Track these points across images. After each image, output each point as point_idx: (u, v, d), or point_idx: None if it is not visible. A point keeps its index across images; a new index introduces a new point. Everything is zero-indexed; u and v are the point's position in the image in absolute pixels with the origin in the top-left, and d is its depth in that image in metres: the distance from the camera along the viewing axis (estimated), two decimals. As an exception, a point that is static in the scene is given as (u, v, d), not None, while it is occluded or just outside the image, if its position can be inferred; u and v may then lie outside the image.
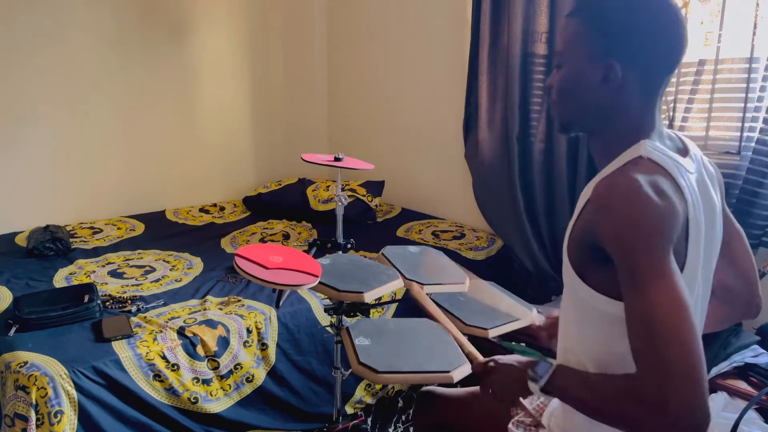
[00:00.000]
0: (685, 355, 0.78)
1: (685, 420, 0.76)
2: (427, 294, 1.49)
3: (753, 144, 1.95)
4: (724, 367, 1.79)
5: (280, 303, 2.05)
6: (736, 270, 1.11)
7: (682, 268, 0.90)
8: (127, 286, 2.18)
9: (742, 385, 1.75)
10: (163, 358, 1.77)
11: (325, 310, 1.61)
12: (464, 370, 1.24)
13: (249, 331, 1.94)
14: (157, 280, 2.25)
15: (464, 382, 1.32)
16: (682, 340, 0.78)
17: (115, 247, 2.63)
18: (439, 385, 1.46)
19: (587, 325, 0.99)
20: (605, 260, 0.89)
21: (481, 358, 1.21)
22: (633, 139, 0.96)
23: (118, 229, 2.90)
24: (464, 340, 1.32)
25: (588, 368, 1.00)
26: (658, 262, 0.83)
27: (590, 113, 1.01)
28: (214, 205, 3.39)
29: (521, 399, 1.22)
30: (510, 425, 1.22)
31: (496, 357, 1.11)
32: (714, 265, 1.04)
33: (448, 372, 1.23)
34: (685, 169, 0.95)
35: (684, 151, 1.00)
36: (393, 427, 2.20)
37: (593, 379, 0.92)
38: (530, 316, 1.47)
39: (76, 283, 2.19)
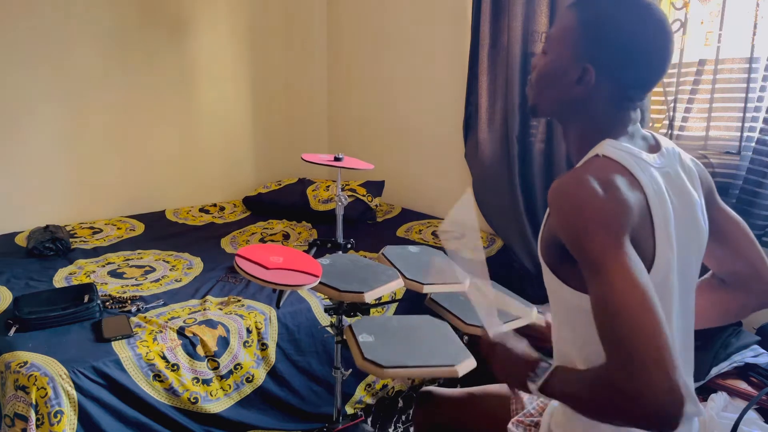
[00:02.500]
0: (646, 336, 0.77)
1: (656, 401, 0.74)
2: (426, 294, 1.49)
3: (753, 144, 1.95)
4: (724, 367, 1.79)
5: (281, 303, 2.05)
6: (742, 259, 1.11)
7: (652, 259, 0.91)
8: (127, 286, 2.18)
9: (742, 385, 1.75)
10: (163, 358, 1.77)
11: (326, 310, 1.61)
12: (468, 364, 1.24)
13: (249, 331, 1.94)
14: (157, 280, 2.25)
15: (465, 381, 1.32)
16: (640, 321, 0.78)
17: (115, 247, 2.62)
18: (440, 384, 1.46)
19: (574, 326, 1.01)
20: (572, 257, 0.90)
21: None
22: (598, 139, 0.99)
23: (118, 229, 2.90)
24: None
25: (579, 368, 1.00)
26: (609, 249, 0.84)
27: (560, 106, 1.05)
28: (214, 205, 3.39)
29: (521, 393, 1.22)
30: (509, 425, 1.22)
31: (503, 339, 1.08)
32: (698, 257, 1.05)
33: (453, 366, 1.23)
34: (647, 164, 0.96)
35: (655, 148, 1.02)
36: (393, 427, 2.20)
37: (579, 374, 0.92)
38: (531, 315, 1.47)
39: (76, 283, 2.19)
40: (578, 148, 1.04)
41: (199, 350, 1.83)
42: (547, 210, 1.01)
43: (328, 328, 1.62)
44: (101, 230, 2.86)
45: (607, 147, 0.96)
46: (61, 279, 2.24)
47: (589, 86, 0.99)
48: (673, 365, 0.76)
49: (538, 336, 1.40)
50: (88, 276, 2.27)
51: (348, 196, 2.41)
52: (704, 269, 1.12)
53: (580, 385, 0.87)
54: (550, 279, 1.01)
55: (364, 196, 3.12)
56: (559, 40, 1.03)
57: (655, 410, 0.74)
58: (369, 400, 2.22)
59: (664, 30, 0.97)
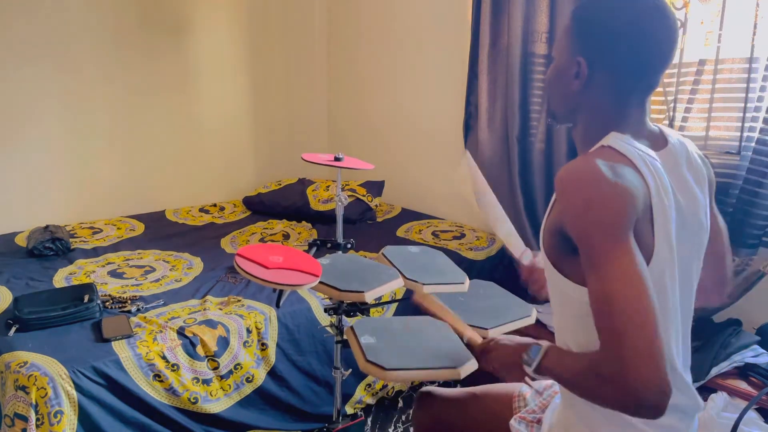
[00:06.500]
0: (641, 330, 0.79)
1: (644, 393, 0.77)
2: (426, 294, 1.49)
3: (753, 144, 1.95)
4: (724, 367, 1.79)
5: (281, 303, 2.05)
6: (713, 267, 1.12)
7: (651, 254, 0.92)
8: (127, 286, 2.18)
9: (742, 385, 1.75)
10: (163, 358, 1.77)
11: (325, 310, 1.61)
12: (471, 366, 1.24)
13: (249, 331, 1.94)
14: (157, 280, 2.25)
15: (465, 381, 1.32)
16: (637, 315, 0.80)
17: (115, 247, 2.62)
18: (441, 384, 1.46)
19: (571, 317, 1.02)
20: (575, 249, 0.91)
21: (480, 340, 1.26)
22: (603, 133, 1.00)
23: (118, 229, 2.90)
24: (464, 325, 1.36)
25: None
26: (613, 240, 0.85)
27: (565, 105, 1.07)
28: (214, 205, 3.39)
29: (526, 380, 1.25)
30: (512, 421, 1.22)
31: (496, 337, 1.16)
32: (700, 252, 1.05)
33: (456, 368, 1.23)
34: (651, 158, 0.96)
35: (662, 144, 1.03)
36: (393, 427, 2.20)
37: (571, 357, 0.95)
38: (531, 316, 1.47)
39: (76, 283, 2.19)
40: (584, 143, 1.05)
41: (199, 350, 1.83)
42: (552, 200, 1.01)
43: (328, 328, 1.62)
44: (101, 230, 2.86)
45: (613, 139, 0.97)
46: (61, 279, 2.24)
47: (584, 78, 1.00)
48: (662, 357, 0.78)
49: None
50: (88, 276, 2.27)
51: (348, 196, 2.41)
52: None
53: (572, 369, 0.90)
54: (550, 271, 1.01)
55: (364, 196, 3.12)
56: (559, 41, 1.06)
57: (640, 397, 0.78)
58: (369, 400, 2.22)
59: (655, 12, 0.96)
